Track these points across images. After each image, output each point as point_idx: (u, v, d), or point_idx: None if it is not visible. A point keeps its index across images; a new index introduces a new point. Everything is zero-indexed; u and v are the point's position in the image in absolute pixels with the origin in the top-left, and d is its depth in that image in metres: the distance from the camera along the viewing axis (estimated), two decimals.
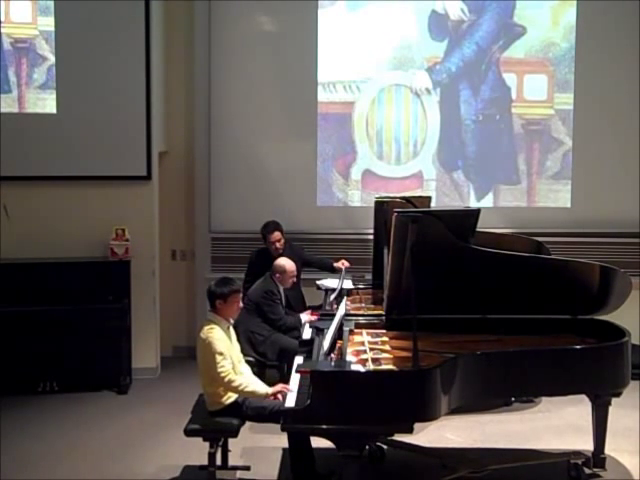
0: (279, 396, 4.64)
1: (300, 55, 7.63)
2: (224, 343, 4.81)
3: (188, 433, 4.78)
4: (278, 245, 6.60)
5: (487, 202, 7.64)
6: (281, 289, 6.31)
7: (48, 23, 6.99)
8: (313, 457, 4.82)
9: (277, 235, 6.62)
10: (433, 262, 4.64)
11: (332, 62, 7.65)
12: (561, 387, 4.76)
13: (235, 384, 4.71)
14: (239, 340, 5.19)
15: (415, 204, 5.55)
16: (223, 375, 4.70)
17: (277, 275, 6.26)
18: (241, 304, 5.03)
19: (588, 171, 7.67)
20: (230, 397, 4.80)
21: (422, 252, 4.43)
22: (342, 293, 5.91)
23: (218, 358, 4.73)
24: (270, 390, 4.71)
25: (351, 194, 7.76)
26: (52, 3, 6.97)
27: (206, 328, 4.84)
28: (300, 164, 7.70)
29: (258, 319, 6.15)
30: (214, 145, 7.67)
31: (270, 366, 6.16)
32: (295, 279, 6.42)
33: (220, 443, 4.90)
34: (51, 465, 5.33)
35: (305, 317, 6.19)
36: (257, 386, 4.81)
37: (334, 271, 6.70)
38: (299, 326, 6.20)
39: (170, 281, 7.72)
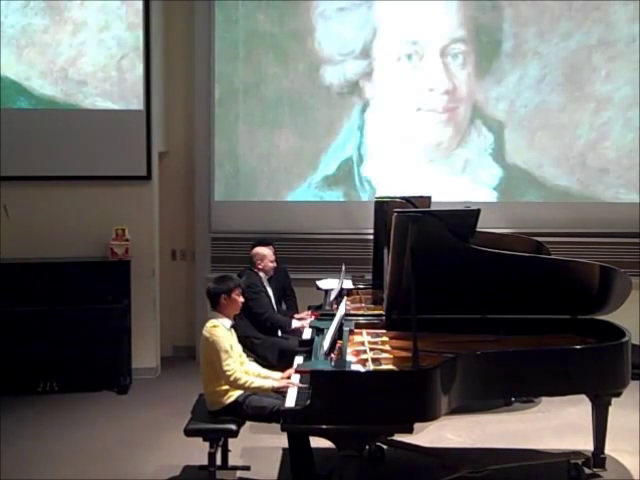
0: (288, 383, 4.62)
1: (301, 55, 7.64)
2: (228, 341, 4.82)
3: (188, 433, 4.78)
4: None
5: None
6: (264, 280, 6.34)
7: None
8: (312, 457, 4.81)
9: (271, 249, 6.62)
10: (433, 262, 4.63)
11: (333, 62, 7.65)
12: (561, 387, 4.76)
13: (241, 382, 4.72)
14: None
15: (415, 204, 5.55)
16: (229, 373, 4.71)
17: (259, 263, 6.30)
18: (242, 298, 5.04)
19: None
20: (231, 396, 4.81)
21: (422, 252, 4.43)
22: (342, 293, 5.92)
23: (224, 356, 4.73)
24: (276, 384, 4.72)
25: (353, 193, 7.76)
26: None
27: (209, 326, 4.85)
28: (301, 164, 7.71)
29: (249, 323, 6.16)
30: (214, 145, 7.67)
31: (269, 367, 6.15)
32: (275, 263, 6.43)
33: (220, 443, 4.90)
34: (51, 465, 5.33)
35: (297, 323, 6.19)
36: (263, 382, 4.81)
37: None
38: (286, 327, 6.20)
39: (170, 281, 7.72)
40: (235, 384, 4.74)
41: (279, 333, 6.34)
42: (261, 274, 6.39)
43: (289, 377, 4.77)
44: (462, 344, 4.88)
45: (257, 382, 4.78)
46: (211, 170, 7.70)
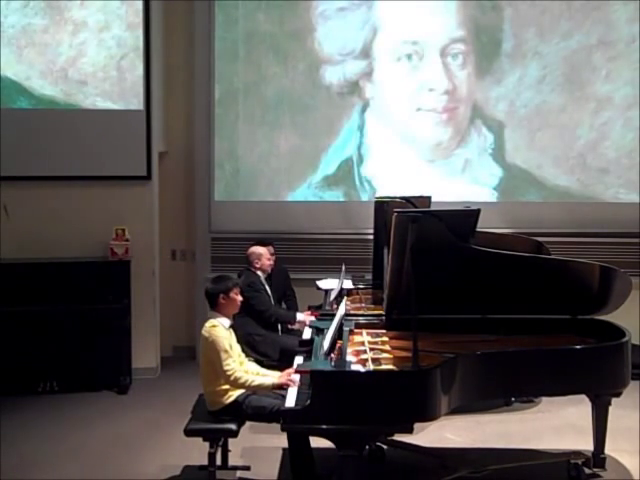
0: (288, 380, 4.64)
1: (301, 55, 7.64)
2: (227, 341, 4.82)
3: (188, 433, 4.78)
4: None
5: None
6: (262, 278, 6.35)
7: None
8: (312, 457, 4.81)
9: (270, 249, 6.65)
10: (433, 262, 4.63)
11: (333, 62, 7.65)
12: (561, 387, 4.75)
13: (242, 381, 4.73)
14: (238, 343, 5.18)
15: (415, 204, 5.55)
16: (229, 373, 4.71)
17: (256, 262, 6.32)
18: (240, 297, 5.04)
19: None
20: (230, 396, 4.81)
21: (422, 252, 4.43)
22: (342, 293, 5.92)
23: (223, 356, 4.74)
24: (277, 381, 4.72)
25: (353, 193, 7.76)
26: None
27: (208, 326, 4.85)
28: (301, 164, 7.71)
29: (251, 319, 6.17)
30: (214, 145, 7.67)
31: (269, 366, 6.16)
32: (273, 261, 6.49)
33: (220, 443, 4.90)
34: (51, 465, 5.33)
35: (301, 316, 6.21)
36: (263, 379, 4.82)
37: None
38: (292, 321, 6.22)
39: (170, 281, 7.72)
40: (236, 383, 4.74)
41: (279, 329, 6.36)
42: (259, 273, 6.42)
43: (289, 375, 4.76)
44: (462, 344, 4.88)
45: (257, 380, 4.78)
46: (211, 170, 7.70)
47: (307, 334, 5.37)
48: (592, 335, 5.04)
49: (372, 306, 5.86)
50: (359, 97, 7.70)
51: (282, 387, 4.67)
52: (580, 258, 5.67)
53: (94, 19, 7.03)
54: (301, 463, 4.81)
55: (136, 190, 7.17)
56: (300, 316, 6.26)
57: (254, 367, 5.06)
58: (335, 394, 4.15)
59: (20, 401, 6.49)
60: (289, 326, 6.43)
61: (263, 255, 6.40)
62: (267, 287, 6.44)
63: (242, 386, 4.76)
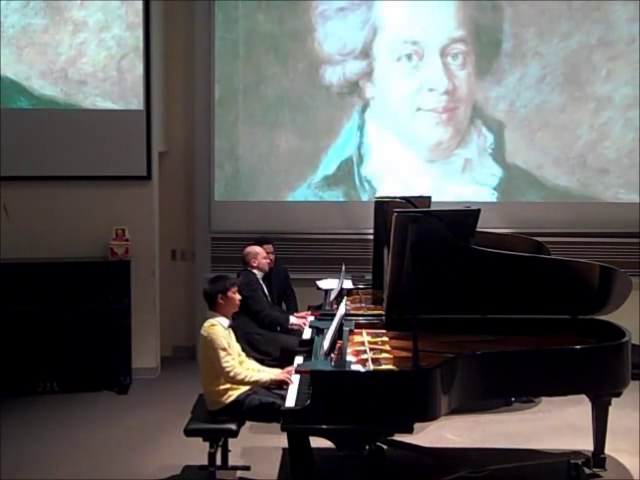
0: (287, 378, 4.65)
1: (301, 55, 7.64)
2: (226, 340, 4.83)
3: (188, 433, 4.78)
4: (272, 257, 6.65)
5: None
6: (260, 278, 6.35)
7: None
8: (312, 457, 4.81)
9: (269, 247, 6.66)
10: (433, 262, 4.64)
11: (333, 62, 7.65)
12: (561, 387, 4.75)
13: (240, 377, 4.75)
14: (238, 342, 5.18)
15: (415, 204, 5.55)
16: (228, 370, 4.73)
17: (252, 261, 6.33)
18: (239, 296, 5.04)
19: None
20: (231, 396, 4.81)
21: (422, 252, 4.43)
22: (342, 293, 5.91)
23: (222, 354, 4.75)
24: (274, 377, 4.74)
25: (353, 193, 7.77)
26: None
27: (207, 325, 4.87)
28: (301, 164, 7.71)
29: (249, 319, 6.18)
30: (214, 145, 7.67)
31: (270, 365, 6.16)
32: (271, 257, 6.53)
33: (220, 443, 4.90)
34: (51, 465, 5.33)
35: (294, 319, 6.21)
36: (261, 375, 4.84)
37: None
38: (285, 324, 6.22)
39: (170, 281, 7.72)
40: (234, 380, 4.75)
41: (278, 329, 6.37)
42: (256, 272, 6.42)
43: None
44: (462, 344, 4.87)
45: (256, 376, 4.81)
46: (211, 170, 7.70)
47: (307, 334, 5.37)
48: (592, 335, 5.04)
49: (372, 306, 5.85)
50: (359, 97, 7.70)
51: (281, 384, 4.68)
52: (580, 258, 5.66)
53: (94, 19, 7.04)
54: (301, 463, 4.80)
55: (136, 190, 7.17)
56: (293, 319, 6.25)
57: (254, 365, 5.07)
58: (335, 394, 4.14)
59: (20, 401, 6.49)
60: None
61: (259, 254, 6.42)
62: (264, 287, 6.44)
63: (241, 382, 4.77)
